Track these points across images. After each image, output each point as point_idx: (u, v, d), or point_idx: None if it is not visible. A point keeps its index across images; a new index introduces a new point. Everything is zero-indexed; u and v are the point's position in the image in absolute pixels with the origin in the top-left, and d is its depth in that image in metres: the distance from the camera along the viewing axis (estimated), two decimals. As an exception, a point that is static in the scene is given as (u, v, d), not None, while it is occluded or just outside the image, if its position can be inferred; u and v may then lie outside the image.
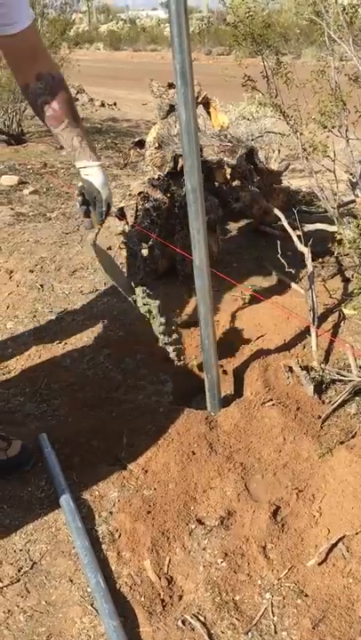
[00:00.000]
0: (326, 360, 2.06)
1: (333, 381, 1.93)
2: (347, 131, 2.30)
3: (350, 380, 1.87)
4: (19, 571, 1.37)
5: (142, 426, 1.78)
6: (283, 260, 2.38)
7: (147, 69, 10.03)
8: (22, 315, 2.49)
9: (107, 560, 1.39)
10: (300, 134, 2.40)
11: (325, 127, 2.25)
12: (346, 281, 2.60)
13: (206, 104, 3.25)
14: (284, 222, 2.59)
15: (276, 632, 1.23)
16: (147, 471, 1.63)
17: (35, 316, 2.47)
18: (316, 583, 1.31)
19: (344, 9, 2.23)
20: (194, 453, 1.66)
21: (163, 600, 1.29)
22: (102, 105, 8.59)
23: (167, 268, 2.70)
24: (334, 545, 1.38)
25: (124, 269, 2.75)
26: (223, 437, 1.72)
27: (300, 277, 2.60)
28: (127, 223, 2.73)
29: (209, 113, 3.29)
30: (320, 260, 2.74)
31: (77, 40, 20.48)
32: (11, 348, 2.25)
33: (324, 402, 1.86)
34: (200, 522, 1.47)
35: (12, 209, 3.81)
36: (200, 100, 3.15)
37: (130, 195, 2.77)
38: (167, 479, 1.59)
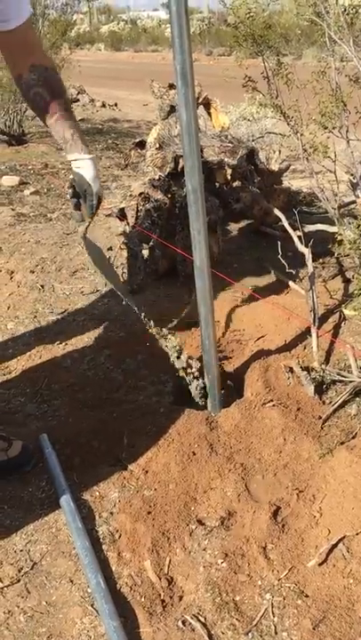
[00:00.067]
0: (327, 361, 2.06)
1: (334, 382, 1.93)
2: (347, 131, 2.30)
3: (351, 381, 1.87)
4: (19, 571, 1.37)
5: (143, 426, 1.79)
6: (283, 261, 2.38)
7: (148, 70, 10.04)
8: (23, 315, 2.50)
9: (107, 560, 1.39)
10: (301, 135, 2.40)
11: (326, 128, 2.25)
12: (347, 282, 2.60)
13: (207, 105, 3.25)
14: (285, 223, 2.59)
15: (276, 632, 1.22)
16: (147, 472, 1.63)
17: (35, 317, 2.48)
18: (317, 584, 1.31)
19: (345, 10, 2.23)
20: (194, 454, 1.66)
21: (163, 600, 1.29)
22: (103, 105, 8.60)
23: (168, 268, 2.70)
24: (335, 545, 1.38)
25: (125, 270, 2.75)
26: (224, 438, 1.72)
27: (301, 278, 2.60)
28: (128, 224, 2.73)
29: (210, 114, 3.30)
30: (321, 260, 2.74)
31: (78, 41, 20.54)
32: (11, 348, 2.25)
33: (324, 402, 1.86)
34: (200, 522, 1.47)
35: (12, 209, 3.82)
36: (201, 100, 3.15)
37: (130, 195, 2.77)
38: (168, 480, 1.59)
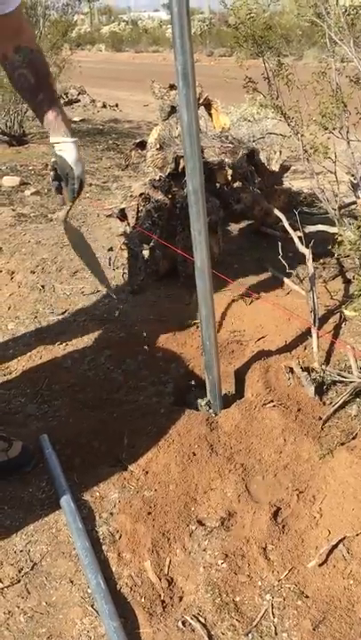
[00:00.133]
0: (327, 361, 2.06)
1: (334, 382, 1.93)
2: (348, 132, 2.30)
3: (351, 382, 1.87)
4: (19, 571, 1.37)
5: (143, 427, 1.79)
6: (284, 262, 2.38)
7: (148, 71, 10.05)
8: (23, 316, 2.50)
9: (107, 561, 1.39)
10: (302, 136, 2.40)
11: (326, 129, 2.25)
12: (347, 282, 2.60)
13: (208, 105, 3.25)
14: (286, 223, 2.59)
15: (276, 633, 1.22)
16: (147, 472, 1.63)
17: (36, 317, 2.48)
18: (317, 584, 1.31)
19: (345, 11, 2.23)
20: (194, 454, 1.66)
21: (163, 601, 1.29)
22: (104, 106, 8.61)
23: (168, 269, 2.70)
24: (335, 546, 1.38)
25: (126, 270, 2.76)
26: (224, 438, 1.72)
27: (302, 279, 2.60)
28: (128, 224, 2.73)
29: (210, 114, 3.29)
30: (321, 261, 2.74)
31: (79, 41, 20.54)
32: (12, 348, 2.25)
33: (324, 403, 1.86)
34: (200, 523, 1.47)
35: (13, 210, 3.82)
36: (201, 101, 3.15)
37: (131, 196, 2.77)
38: (168, 480, 1.59)
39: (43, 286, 2.74)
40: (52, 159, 1.56)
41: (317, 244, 2.34)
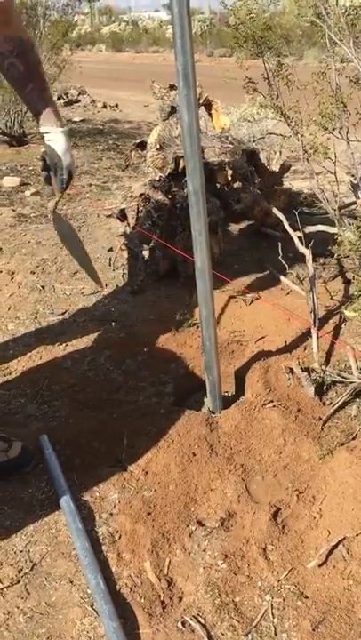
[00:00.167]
0: (327, 362, 2.06)
1: (334, 383, 1.93)
2: (348, 132, 2.30)
3: (351, 382, 1.87)
4: (19, 572, 1.37)
5: (143, 427, 1.79)
6: (284, 262, 2.38)
7: (149, 71, 10.04)
8: (23, 316, 2.50)
9: (107, 561, 1.39)
10: (302, 136, 2.40)
11: (326, 129, 2.25)
12: (347, 282, 2.60)
13: (208, 106, 3.25)
14: (286, 224, 2.60)
15: (276, 634, 1.22)
16: (147, 472, 1.63)
17: (36, 318, 2.48)
18: (317, 585, 1.31)
19: (345, 11, 2.23)
20: (194, 455, 1.66)
21: (163, 602, 1.29)
22: (104, 106, 8.61)
23: (168, 269, 2.70)
24: (335, 547, 1.38)
25: (126, 271, 2.76)
26: (224, 439, 1.72)
27: (302, 279, 2.60)
28: (128, 225, 2.73)
29: (210, 115, 3.29)
30: (321, 261, 2.74)
31: (79, 42, 20.55)
32: (12, 349, 2.25)
33: (324, 403, 1.86)
34: (200, 523, 1.47)
35: (13, 210, 3.82)
36: (202, 101, 3.15)
37: (131, 196, 2.77)
38: (167, 480, 1.59)
39: (43, 287, 2.74)
40: (42, 149, 1.56)
41: (317, 245, 2.34)
